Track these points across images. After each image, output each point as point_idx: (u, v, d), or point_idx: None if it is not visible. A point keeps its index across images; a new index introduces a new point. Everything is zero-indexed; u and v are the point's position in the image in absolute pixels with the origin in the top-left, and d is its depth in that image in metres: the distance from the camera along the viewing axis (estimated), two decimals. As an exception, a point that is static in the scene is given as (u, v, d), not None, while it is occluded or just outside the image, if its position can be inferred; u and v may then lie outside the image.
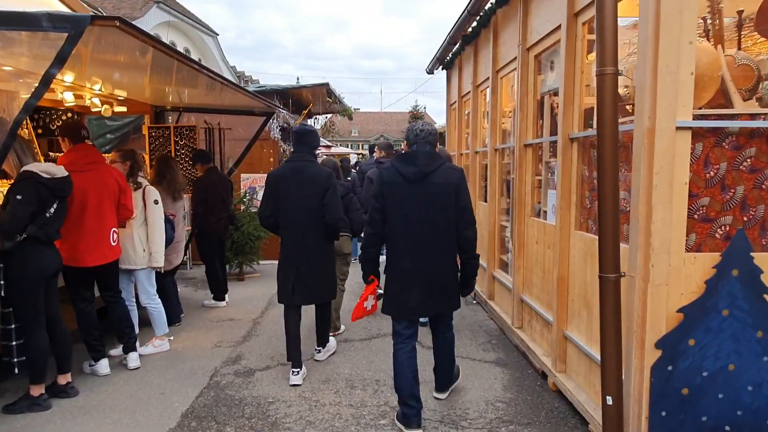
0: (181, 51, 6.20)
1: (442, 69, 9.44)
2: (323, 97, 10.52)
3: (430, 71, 9.74)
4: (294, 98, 10.58)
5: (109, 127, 9.81)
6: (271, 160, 9.99)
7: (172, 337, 5.53)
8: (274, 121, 9.65)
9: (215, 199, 6.76)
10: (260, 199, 9.49)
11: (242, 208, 8.77)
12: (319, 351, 4.94)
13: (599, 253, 2.86)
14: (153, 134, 7.28)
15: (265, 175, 9.18)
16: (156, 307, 5.03)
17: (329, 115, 13.26)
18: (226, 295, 7.02)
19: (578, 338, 3.77)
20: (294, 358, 4.42)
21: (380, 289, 3.78)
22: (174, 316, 6.03)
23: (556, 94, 4.52)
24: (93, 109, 6.32)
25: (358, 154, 30.99)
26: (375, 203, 3.51)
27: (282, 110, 9.79)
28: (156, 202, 4.78)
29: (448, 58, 8.73)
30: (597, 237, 2.89)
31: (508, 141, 6.28)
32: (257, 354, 5.14)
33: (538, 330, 4.70)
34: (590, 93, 3.86)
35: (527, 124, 4.99)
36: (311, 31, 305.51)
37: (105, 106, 6.61)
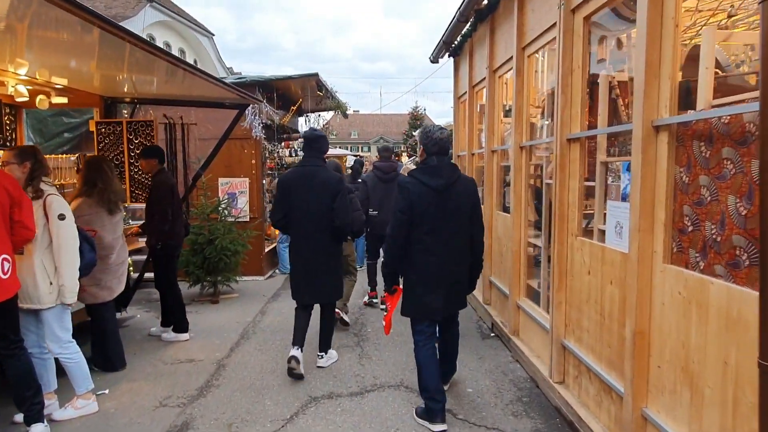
0: (176, 53, 5.00)
1: (449, 56, 8.18)
2: (313, 90, 9.26)
3: (435, 59, 8.47)
4: (280, 92, 9.31)
5: (67, 125, 8.55)
6: (253, 162, 8.72)
7: (107, 391, 4.27)
8: (257, 117, 8.39)
9: (175, 207, 5.51)
10: (240, 207, 8.26)
11: (218, 218, 7.50)
12: (322, 357, 4.85)
13: (761, 325, 1.59)
14: (102, 131, 6.02)
15: (246, 179, 7.93)
16: (71, 357, 3.75)
17: (323, 115, 11.93)
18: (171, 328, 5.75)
19: (673, 428, 2.50)
20: (297, 340, 4.59)
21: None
22: (116, 360, 4.77)
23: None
24: (18, 99, 5.05)
25: (356, 155, 29.72)
26: (401, 216, 3.59)
27: (265, 105, 8.53)
28: (62, 217, 3.49)
29: (456, 41, 7.48)
30: (720, 283, 1.63)
31: (537, 136, 5.01)
32: (211, 419, 3.85)
33: (592, 394, 3.43)
34: (690, 63, 2.62)
35: (572, 111, 3.73)
36: (313, 33, 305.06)
37: (40, 96, 5.35)
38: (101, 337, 4.69)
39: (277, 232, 10.30)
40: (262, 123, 8.70)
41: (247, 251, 7.72)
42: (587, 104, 3.69)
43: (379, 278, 3.99)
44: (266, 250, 9.25)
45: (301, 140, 9.12)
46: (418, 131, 4.07)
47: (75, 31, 3.35)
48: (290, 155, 9.01)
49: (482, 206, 5.01)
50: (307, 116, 12.31)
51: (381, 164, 6.83)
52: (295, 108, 10.23)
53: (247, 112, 8.42)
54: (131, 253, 5.72)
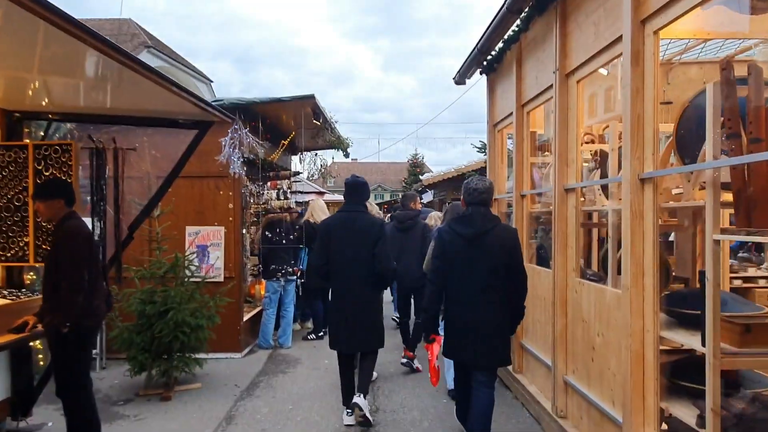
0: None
1: (481, 73, 6.45)
2: (308, 119, 7.49)
3: (461, 79, 6.75)
4: (267, 120, 7.52)
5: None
6: (231, 206, 6.84)
7: None
8: (235, 150, 6.56)
9: (93, 269, 3.60)
10: (211, 263, 6.35)
11: (175, 281, 5.54)
12: (360, 396, 4.52)
13: None
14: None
15: (221, 228, 5.99)
16: None
17: (321, 155, 10.12)
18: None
19: None
20: (348, 400, 4.54)
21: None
22: None
23: None
24: None
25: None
26: (436, 261, 3.75)
27: (246, 135, 6.72)
28: None
29: (493, 53, 5.75)
30: None
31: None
32: None
33: None
34: None
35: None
36: (315, 86, 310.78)
37: None
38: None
39: (262, 293, 8.35)
40: (243, 157, 6.88)
41: (217, 324, 5.75)
42: None
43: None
44: (245, 318, 7.25)
45: (291, 180, 7.28)
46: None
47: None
48: (278, 197, 7.14)
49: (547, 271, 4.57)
50: (302, 155, 10.53)
51: (399, 213, 6.39)
52: (286, 142, 8.43)
53: (223, 142, 6.62)
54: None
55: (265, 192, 7.14)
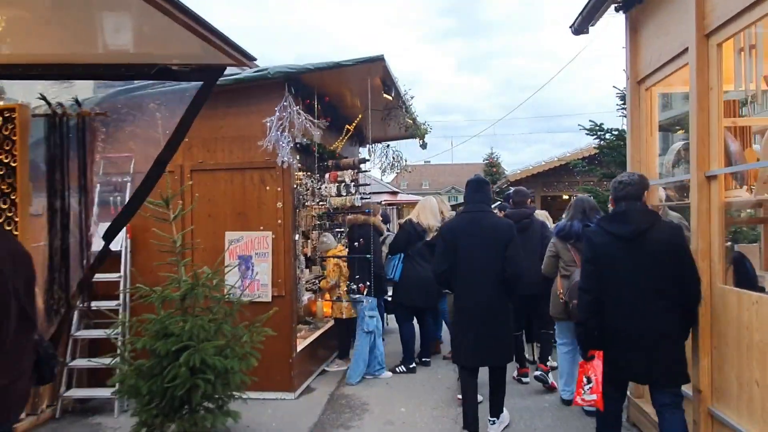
0: None
1: (617, 9, 4.57)
2: (377, 94, 5.88)
3: (581, 27, 4.89)
4: (327, 97, 5.98)
5: None
6: (280, 205, 5.35)
7: None
8: (284, 133, 5.08)
9: (19, 310, 2.11)
10: (255, 278, 4.86)
11: (219, 299, 4.09)
12: (494, 422, 4.35)
13: None
14: None
15: (269, 233, 5.30)
16: None
17: (395, 149, 8.53)
18: None
19: None
20: (471, 427, 4.14)
21: None
22: None
23: None
24: None
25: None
26: (588, 266, 3.42)
27: (299, 113, 5.21)
28: None
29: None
30: None
31: None
32: None
33: None
34: None
35: None
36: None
37: None
38: None
39: (325, 310, 6.84)
40: (296, 143, 5.37)
41: (267, 352, 4.27)
42: None
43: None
44: (301, 346, 5.74)
45: (356, 171, 5.67)
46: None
47: None
48: (338, 193, 5.55)
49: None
50: (371, 147, 8.94)
51: (512, 212, 5.74)
52: (351, 127, 6.85)
53: (268, 124, 5.16)
54: None
55: (324, 186, 5.57)
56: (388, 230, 8.68)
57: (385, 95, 5.91)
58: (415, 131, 7.76)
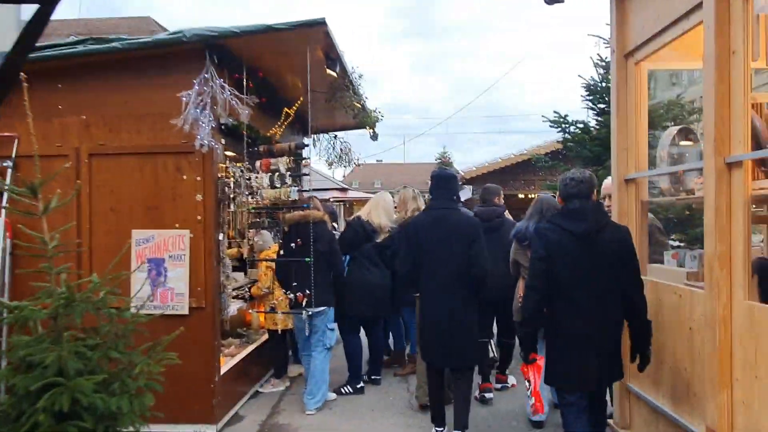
0: None
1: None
2: (319, 71, 5.01)
3: (558, -5, 4.18)
4: (260, 72, 5.06)
5: None
6: (200, 197, 4.41)
7: None
8: (204, 110, 4.19)
9: None
10: (168, 286, 3.93)
11: (122, 311, 3.12)
12: None
13: None
14: None
15: (186, 232, 4.54)
16: None
17: (343, 140, 7.74)
18: None
19: None
20: (437, 416, 4.17)
21: None
22: None
23: None
24: None
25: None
26: (539, 264, 3.25)
27: (224, 87, 4.30)
28: None
29: None
30: None
31: None
32: None
33: None
34: None
35: None
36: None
37: None
38: None
39: (262, 320, 5.95)
40: (219, 123, 4.48)
41: (182, 376, 3.36)
42: None
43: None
44: (229, 366, 4.84)
45: (290, 159, 4.78)
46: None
47: None
48: (272, 185, 4.61)
49: None
50: (317, 138, 8.05)
51: (482, 210, 5.29)
52: (292, 111, 5.94)
53: (184, 98, 4.26)
54: None
55: (254, 177, 4.64)
56: (335, 228, 7.85)
57: (328, 71, 5.05)
58: (364, 119, 6.91)
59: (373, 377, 5.58)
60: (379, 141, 7.47)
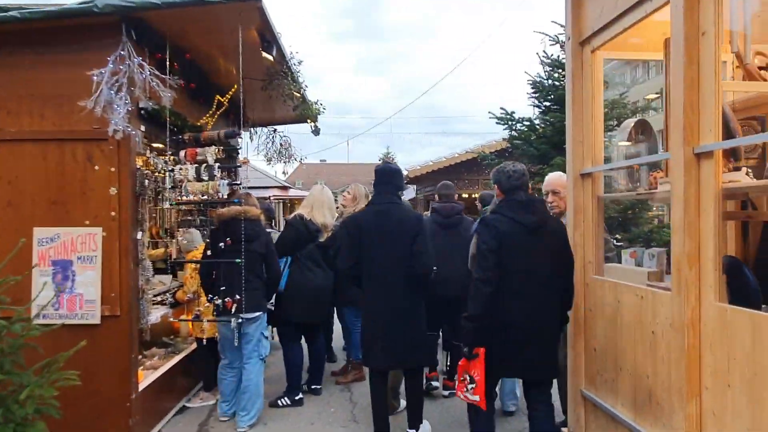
0: None
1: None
2: (254, 53, 4.56)
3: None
4: (188, 54, 4.57)
5: None
6: (114, 191, 3.89)
7: None
8: (118, 93, 3.71)
9: None
10: (77, 292, 3.39)
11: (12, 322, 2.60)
12: None
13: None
14: None
15: (98, 230, 4.07)
16: None
17: (282, 134, 7.31)
18: None
19: None
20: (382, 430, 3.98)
21: None
22: None
23: None
24: None
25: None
26: (490, 255, 3.17)
27: (142, 67, 3.81)
28: None
29: None
30: None
31: None
32: None
33: None
34: None
35: None
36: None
37: None
38: None
39: (191, 328, 5.45)
40: (138, 108, 3.98)
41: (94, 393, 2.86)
42: None
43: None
44: (150, 380, 4.33)
45: (218, 149, 4.31)
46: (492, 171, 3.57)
47: None
48: (198, 177, 4.12)
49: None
50: (254, 132, 7.57)
51: (440, 206, 5.07)
52: (225, 99, 5.44)
53: (94, 77, 3.75)
54: None
55: (178, 168, 4.15)
56: (272, 227, 7.39)
57: (264, 54, 4.62)
58: (305, 111, 6.49)
59: (313, 387, 5.18)
60: (323, 140, 7.24)
